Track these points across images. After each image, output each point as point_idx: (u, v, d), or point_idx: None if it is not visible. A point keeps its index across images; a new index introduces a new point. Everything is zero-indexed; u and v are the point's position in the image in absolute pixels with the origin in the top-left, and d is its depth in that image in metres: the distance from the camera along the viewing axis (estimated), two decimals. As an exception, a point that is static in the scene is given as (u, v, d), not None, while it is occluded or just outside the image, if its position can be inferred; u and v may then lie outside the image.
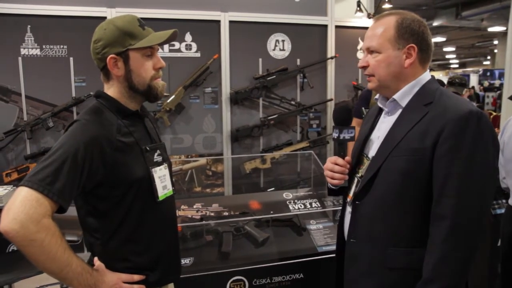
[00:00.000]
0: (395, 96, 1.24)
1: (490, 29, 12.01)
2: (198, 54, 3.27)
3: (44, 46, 2.98)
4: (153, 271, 1.26)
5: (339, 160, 1.31)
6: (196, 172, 3.29)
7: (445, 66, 24.70)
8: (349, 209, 1.34)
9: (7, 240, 0.97)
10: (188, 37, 3.24)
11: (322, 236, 2.30)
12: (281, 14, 3.40)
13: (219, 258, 2.10)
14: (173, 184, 1.35)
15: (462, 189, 1.09)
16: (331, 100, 3.57)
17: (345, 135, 1.31)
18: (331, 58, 3.55)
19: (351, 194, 1.33)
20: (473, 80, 15.63)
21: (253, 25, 3.36)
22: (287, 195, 2.45)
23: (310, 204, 2.37)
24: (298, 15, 3.44)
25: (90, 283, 1.10)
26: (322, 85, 3.60)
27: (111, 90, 1.25)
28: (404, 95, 1.23)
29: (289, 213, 2.34)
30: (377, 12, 5.17)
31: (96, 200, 1.18)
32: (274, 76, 3.38)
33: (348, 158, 1.33)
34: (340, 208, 1.52)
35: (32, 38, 2.95)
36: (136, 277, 1.21)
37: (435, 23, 10.19)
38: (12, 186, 2.62)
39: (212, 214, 2.26)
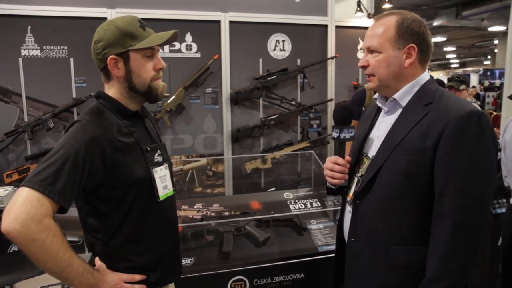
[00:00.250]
0: (395, 96, 1.24)
1: (490, 29, 12.01)
2: (198, 55, 3.27)
3: (44, 47, 2.98)
4: (154, 271, 1.26)
5: (339, 160, 1.31)
6: (196, 172, 3.29)
7: (445, 66, 24.70)
8: (349, 208, 1.34)
9: (8, 240, 0.98)
10: (188, 38, 3.24)
11: (322, 236, 2.31)
12: (281, 14, 3.40)
13: (219, 258, 2.11)
14: (173, 184, 1.35)
15: (463, 188, 1.09)
16: (331, 100, 3.57)
17: (346, 134, 1.31)
18: (331, 58, 3.55)
19: (351, 193, 1.33)
20: (474, 80, 15.61)
21: (253, 25, 3.36)
22: (288, 195, 2.45)
23: (311, 204, 2.37)
24: (298, 15, 3.45)
25: (91, 283, 1.10)
26: (322, 85, 3.61)
27: (112, 90, 1.25)
28: (404, 94, 1.23)
29: (289, 213, 2.34)
30: (377, 12, 5.17)
31: (96, 201, 1.18)
32: (275, 76, 3.39)
33: (348, 157, 1.33)
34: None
35: (33, 39, 2.96)
36: (137, 277, 1.22)
37: (435, 23, 10.19)
38: (13, 187, 2.62)
39: (213, 214, 2.26)
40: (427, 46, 1.23)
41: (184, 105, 3.25)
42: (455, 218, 1.09)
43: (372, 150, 1.28)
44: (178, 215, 1.61)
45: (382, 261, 1.21)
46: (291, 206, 2.34)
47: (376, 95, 1.34)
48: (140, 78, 1.22)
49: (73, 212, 1.16)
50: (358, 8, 4.70)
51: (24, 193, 1.00)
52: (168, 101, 3.17)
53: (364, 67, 1.27)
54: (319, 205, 2.38)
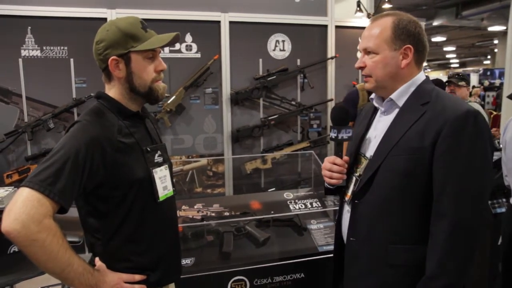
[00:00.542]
0: (392, 96, 1.25)
1: (490, 29, 12.00)
2: (198, 55, 3.27)
3: (44, 47, 2.99)
4: (154, 271, 1.26)
5: (338, 160, 1.31)
6: (197, 173, 3.29)
7: (445, 66, 24.69)
8: (347, 208, 1.35)
9: (8, 241, 0.98)
10: (188, 38, 3.24)
11: (322, 235, 2.31)
12: (281, 14, 3.41)
13: (220, 258, 2.11)
14: (173, 185, 1.35)
15: (462, 187, 1.10)
16: (331, 100, 3.57)
17: (343, 135, 1.32)
18: (331, 58, 3.55)
19: (349, 193, 1.34)
20: (474, 80, 15.61)
21: (253, 25, 3.36)
22: (288, 195, 2.45)
23: (311, 204, 2.37)
24: (298, 15, 3.45)
25: (91, 283, 1.10)
26: (322, 85, 3.61)
27: (112, 91, 1.25)
28: (400, 95, 1.24)
29: (289, 213, 2.34)
30: (377, 12, 5.18)
31: (96, 201, 1.18)
32: (275, 77, 3.39)
33: (346, 157, 1.34)
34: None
35: (33, 40, 2.96)
36: (137, 277, 1.22)
37: (435, 23, 10.18)
38: (13, 187, 2.62)
39: (213, 214, 2.27)
40: (423, 47, 1.24)
41: (184, 106, 3.26)
42: (453, 217, 1.10)
43: (370, 150, 1.29)
44: (178, 215, 1.61)
45: (380, 260, 1.22)
46: (291, 206, 2.35)
47: (372, 95, 1.35)
48: (141, 80, 1.23)
49: (73, 212, 1.17)
50: (358, 8, 4.71)
51: (25, 193, 1.01)
52: (168, 102, 3.17)
53: (361, 68, 1.28)
54: (319, 205, 2.38)
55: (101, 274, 1.15)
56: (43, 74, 2.99)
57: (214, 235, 2.29)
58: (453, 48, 17.76)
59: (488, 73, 15.01)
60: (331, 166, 1.32)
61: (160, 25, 2.90)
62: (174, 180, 1.38)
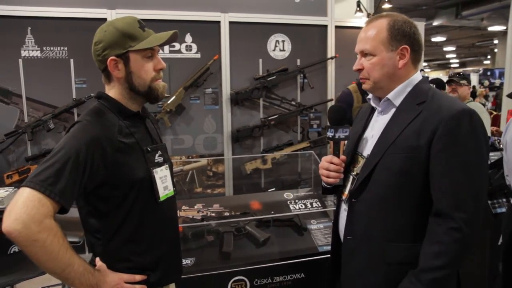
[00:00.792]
0: (389, 96, 1.26)
1: (490, 29, 12.00)
2: (198, 55, 3.28)
3: (44, 48, 2.99)
4: (154, 271, 1.27)
5: (335, 159, 1.33)
6: (197, 173, 3.30)
7: (445, 66, 24.70)
8: (344, 206, 1.36)
9: (9, 241, 0.98)
10: (188, 38, 3.24)
11: (322, 235, 2.31)
12: (281, 14, 3.41)
13: (220, 258, 2.11)
14: (174, 185, 1.36)
15: (458, 185, 1.12)
16: (331, 100, 3.58)
17: (340, 134, 1.34)
18: (331, 58, 3.55)
19: (346, 192, 1.35)
20: (474, 80, 15.62)
21: (253, 25, 3.37)
22: (288, 195, 2.45)
23: (311, 204, 2.38)
24: (298, 15, 3.45)
25: (92, 283, 1.10)
26: (322, 85, 3.61)
27: (113, 91, 1.25)
28: (397, 94, 1.25)
29: (290, 213, 2.34)
30: (376, 12, 5.18)
31: (97, 201, 1.18)
32: (274, 77, 3.39)
33: (343, 157, 1.35)
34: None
35: (33, 40, 2.96)
36: (138, 277, 1.22)
37: (435, 23, 10.19)
38: (13, 187, 2.62)
39: (213, 214, 2.27)
40: (419, 46, 1.26)
41: (184, 106, 3.26)
42: (450, 214, 1.11)
43: (367, 149, 1.30)
44: (178, 215, 1.61)
45: (378, 258, 1.22)
46: (291, 206, 2.35)
47: (369, 96, 1.36)
48: (140, 79, 1.23)
49: (73, 212, 1.17)
50: (358, 8, 4.71)
51: (25, 193, 1.01)
52: (168, 102, 3.18)
53: (359, 70, 1.29)
54: (319, 205, 2.38)
55: (101, 274, 1.15)
56: (43, 74, 3.00)
57: (214, 235, 2.29)
58: (453, 48, 17.76)
59: (488, 73, 15.04)
60: (328, 165, 1.33)
61: (160, 25, 2.88)
62: (174, 180, 1.38)
